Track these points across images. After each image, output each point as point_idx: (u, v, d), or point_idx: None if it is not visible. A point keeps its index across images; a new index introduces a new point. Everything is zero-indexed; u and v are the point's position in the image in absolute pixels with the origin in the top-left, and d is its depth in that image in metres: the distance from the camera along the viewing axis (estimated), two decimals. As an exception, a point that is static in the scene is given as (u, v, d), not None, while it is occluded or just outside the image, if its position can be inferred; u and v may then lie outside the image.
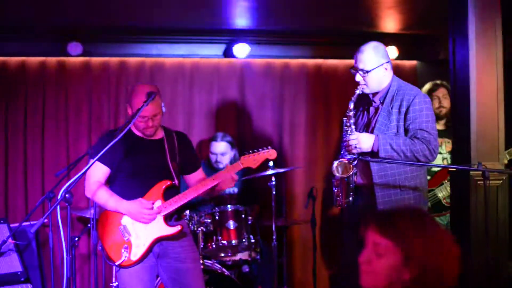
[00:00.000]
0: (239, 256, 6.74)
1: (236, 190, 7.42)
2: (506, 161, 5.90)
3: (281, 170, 6.67)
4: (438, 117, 6.74)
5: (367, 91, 5.26)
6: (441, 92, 6.96)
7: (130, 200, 5.07)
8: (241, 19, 7.67)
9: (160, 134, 5.32)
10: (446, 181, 6.43)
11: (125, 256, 5.04)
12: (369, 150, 5.08)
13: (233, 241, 6.54)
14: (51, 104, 7.80)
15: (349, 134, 5.13)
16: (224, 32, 8.03)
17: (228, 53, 8.13)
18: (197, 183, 5.27)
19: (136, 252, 5.07)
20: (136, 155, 5.17)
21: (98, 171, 5.12)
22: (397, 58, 8.37)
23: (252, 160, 5.26)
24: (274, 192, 6.47)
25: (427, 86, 7.07)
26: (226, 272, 6.45)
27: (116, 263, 5.07)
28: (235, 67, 8.30)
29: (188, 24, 7.76)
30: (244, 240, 6.57)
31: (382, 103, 5.23)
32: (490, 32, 5.44)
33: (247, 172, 6.76)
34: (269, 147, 5.31)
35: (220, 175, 5.20)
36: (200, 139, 8.06)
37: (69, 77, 7.87)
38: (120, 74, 8.02)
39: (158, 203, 5.10)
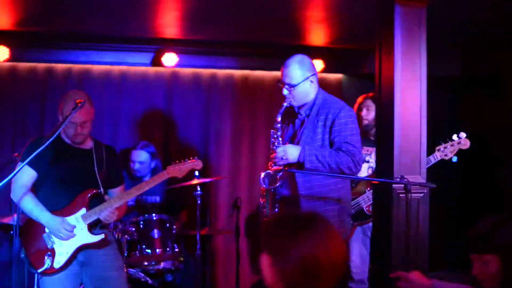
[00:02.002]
0: (162, 265, 6.74)
1: (158, 199, 7.40)
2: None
3: (207, 180, 6.69)
4: (367, 128, 6.87)
5: (294, 104, 5.31)
6: (367, 104, 7.05)
7: (56, 206, 5.08)
8: (169, 28, 7.66)
9: (89, 144, 5.32)
10: (368, 189, 6.54)
11: (48, 264, 5.00)
12: (295, 161, 5.13)
13: (157, 250, 6.52)
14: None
15: (276, 146, 5.18)
16: (153, 40, 8.02)
17: (156, 62, 8.12)
18: None
19: (60, 260, 5.04)
20: (63, 162, 5.15)
21: (25, 175, 5.08)
22: (323, 71, 8.47)
23: (178, 170, 5.31)
24: (199, 202, 6.48)
25: (359, 99, 7.17)
26: (150, 281, 6.43)
27: (39, 271, 5.03)
28: (162, 76, 8.29)
29: (117, 31, 7.72)
30: (168, 249, 6.56)
31: (308, 116, 5.30)
32: (415, 49, 5.54)
33: (173, 180, 6.78)
34: (196, 157, 5.37)
35: (146, 184, 5.22)
36: (125, 147, 8.02)
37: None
38: (47, 80, 7.93)
39: (83, 211, 5.08)
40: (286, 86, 5.27)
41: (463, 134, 6.23)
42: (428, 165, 6.00)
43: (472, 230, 3.59)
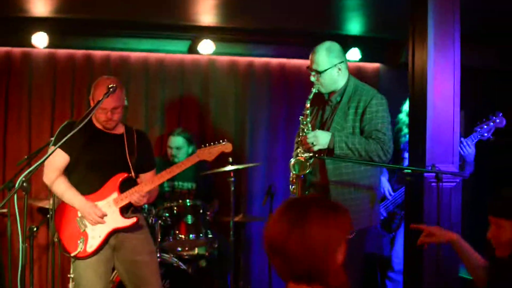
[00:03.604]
0: (196, 251, 6.78)
1: (194, 185, 7.45)
2: None
3: (240, 167, 6.72)
4: None
5: (322, 90, 5.32)
6: None
7: (87, 190, 5.14)
8: (206, 16, 7.69)
9: (120, 130, 5.34)
10: None
11: (81, 248, 5.07)
12: (326, 147, 5.13)
13: (191, 236, 6.58)
14: (15, 95, 7.78)
15: (306, 133, 5.18)
16: (190, 28, 8.04)
17: (193, 49, 8.15)
18: None
19: (92, 244, 5.10)
20: (95, 146, 5.20)
21: (58, 159, 5.13)
22: (360, 60, 8.45)
23: (208, 152, 5.33)
24: (232, 188, 6.51)
25: None
26: (182, 266, 6.48)
27: (72, 254, 5.09)
28: (199, 63, 8.33)
29: (154, 19, 7.77)
30: (201, 235, 6.61)
31: (338, 103, 5.29)
32: (448, 38, 5.49)
33: (208, 167, 6.83)
34: (225, 140, 5.38)
35: (177, 167, 5.25)
36: (162, 134, 8.08)
37: (33, 69, 7.85)
38: (85, 67, 8.01)
39: (115, 195, 5.14)
40: (313, 73, 5.29)
41: (499, 113, 6.16)
42: (470, 147, 6.00)
43: (496, 193, 3.59)
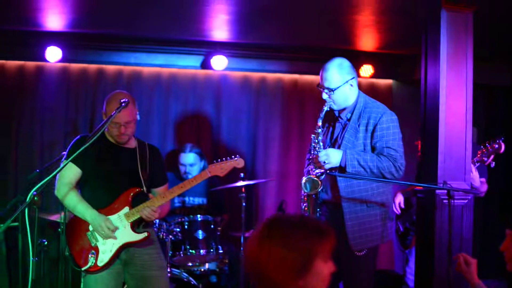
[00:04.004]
0: (207, 266, 6.77)
1: (205, 201, 7.45)
2: None
3: (252, 182, 6.71)
4: None
5: (334, 107, 5.28)
6: None
7: (99, 204, 5.12)
8: (219, 32, 7.71)
9: (133, 144, 5.35)
10: None
11: (92, 262, 5.06)
12: (337, 165, 5.11)
13: (201, 251, 6.57)
14: (28, 109, 7.82)
15: (318, 151, 5.17)
16: (202, 43, 8.08)
17: (205, 64, 8.19)
18: None
19: (103, 258, 5.09)
20: (107, 160, 5.20)
21: (70, 172, 5.14)
22: (373, 77, 8.45)
23: (220, 168, 5.31)
24: (244, 204, 6.50)
25: None
26: (193, 281, 6.48)
27: (83, 269, 5.07)
28: (212, 79, 8.36)
29: (167, 34, 7.82)
30: (212, 250, 6.60)
31: (349, 120, 5.26)
32: (461, 55, 5.50)
33: (219, 182, 6.83)
34: (238, 156, 5.37)
35: (189, 182, 5.25)
36: (174, 148, 8.09)
37: (47, 82, 7.90)
38: (98, 81, 8.07)
39: (126, 209, 5.13)
40: (326, 90, 5.24)
41: (500, 139, 6.10)
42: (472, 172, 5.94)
43: None
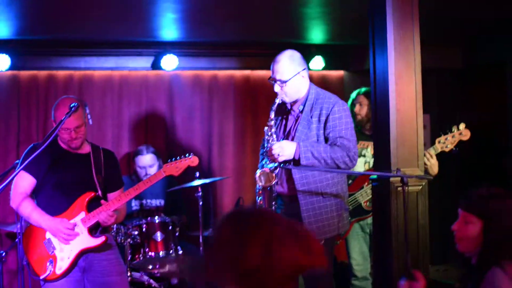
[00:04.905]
0: (167, 268, 6.73)
1: (162, 202, 7.41)
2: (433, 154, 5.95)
3: (207, 181, 6.69)
4: (361, 123, 6.84)
5: (286, 100, 5.29)
6: (359, 100, 6.99)
7: (55, 212, 5.10)
8: (168, 31, 7.69)
9: (86, 149, 5.33)
10: (366, 185, 6.50)
11: (50, 270, 5.04)
12: (291, 157, 5.11)
13: (161, 253, 6.55)
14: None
15: (271, 144, 5.17)
16: (152, 44, 8.04)
17: (156, 65, 8.14)
18: None
19: (61, 266, 5.07)
20: (61, 167, 5.18)
21: (24, 182, 5.12)
22: (324, 69, 8.48)
23: (174, 167, 5.31)
24: (201, 203, 6.47)
25: (352, 95, 7.11)
26: (154, 284, 6.45)
27: (41, 277, 5.07)
28: (163, 79, 8.32)
29: (116, 36, 7.77)
30: (171, 251, 6.58)
31: (301, 112, 5.27)
32: (408, 41, 5.50)
33: (175, 183, 6.80)
34: (191, 154, 5.36)
35: (143, 184, 5.24)
36: (129, 151, 8.04)
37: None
38: (48, 87, 7.98)
39: (82, 214, 5.10)
40: (278, 82, 5.25)
41: (462, 125, 6.10)
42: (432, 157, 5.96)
43: (470, 189, 3.64)
